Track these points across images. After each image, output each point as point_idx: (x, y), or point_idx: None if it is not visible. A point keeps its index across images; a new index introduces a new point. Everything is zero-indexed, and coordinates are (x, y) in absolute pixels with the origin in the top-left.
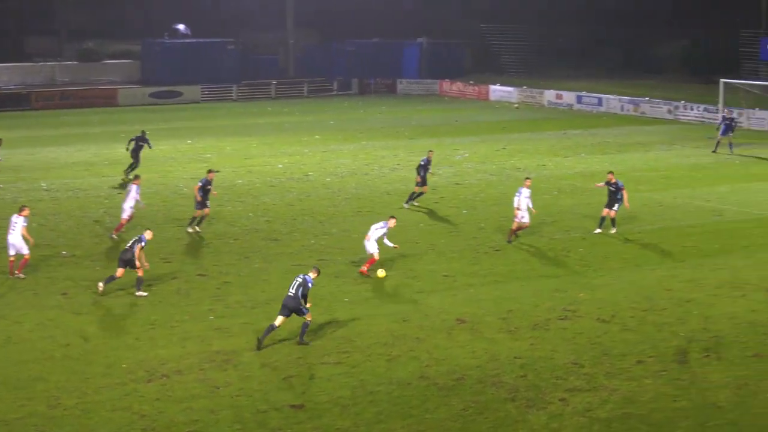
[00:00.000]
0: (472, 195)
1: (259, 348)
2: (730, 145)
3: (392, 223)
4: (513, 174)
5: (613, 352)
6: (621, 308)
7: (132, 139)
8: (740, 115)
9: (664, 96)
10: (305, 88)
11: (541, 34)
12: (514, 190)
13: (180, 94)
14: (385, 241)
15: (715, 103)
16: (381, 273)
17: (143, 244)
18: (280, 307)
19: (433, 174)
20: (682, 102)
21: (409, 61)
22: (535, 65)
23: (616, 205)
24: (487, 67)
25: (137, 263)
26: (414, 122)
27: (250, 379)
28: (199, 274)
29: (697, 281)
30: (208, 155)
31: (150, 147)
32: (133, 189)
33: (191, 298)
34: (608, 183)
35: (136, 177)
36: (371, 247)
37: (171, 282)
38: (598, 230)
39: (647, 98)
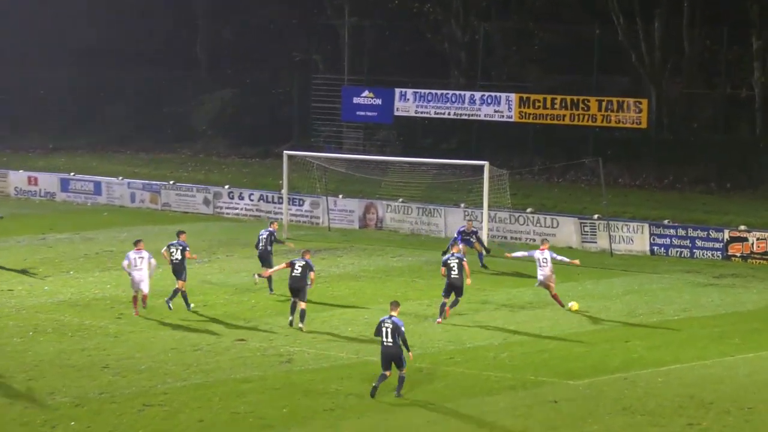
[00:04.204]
0: None
1: (372, 395)
2: (480, 255)
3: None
4: None
5: None
6: None
7: None
8: (315, 205)
9: (200, 178)
10: None
11: None
12: None
13: None
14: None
15: (277, 188)
16: (574, 306)
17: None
18: None
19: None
20: (227, 187)
21: None
22: None
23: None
24: None
25: None
26: None
27: None
28: None
29: None
30: None
31: None
32: None
33: None
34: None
35: None
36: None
37: None
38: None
39: (172, 182)
